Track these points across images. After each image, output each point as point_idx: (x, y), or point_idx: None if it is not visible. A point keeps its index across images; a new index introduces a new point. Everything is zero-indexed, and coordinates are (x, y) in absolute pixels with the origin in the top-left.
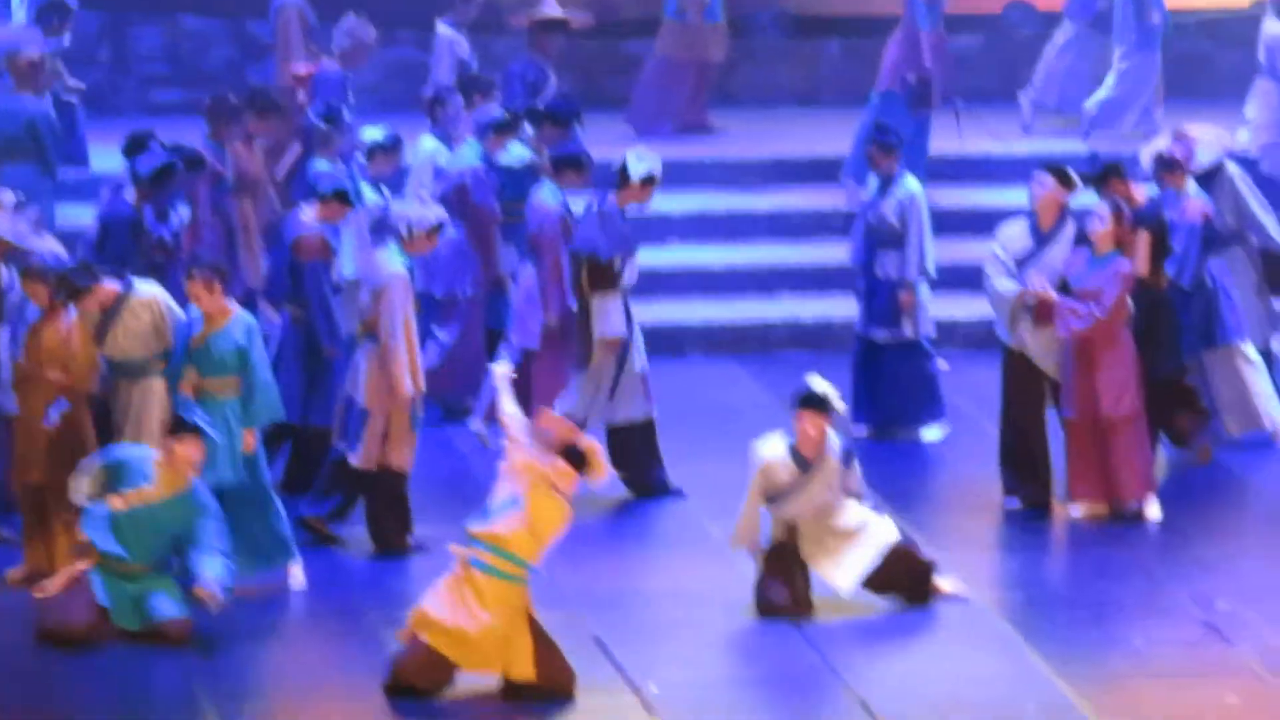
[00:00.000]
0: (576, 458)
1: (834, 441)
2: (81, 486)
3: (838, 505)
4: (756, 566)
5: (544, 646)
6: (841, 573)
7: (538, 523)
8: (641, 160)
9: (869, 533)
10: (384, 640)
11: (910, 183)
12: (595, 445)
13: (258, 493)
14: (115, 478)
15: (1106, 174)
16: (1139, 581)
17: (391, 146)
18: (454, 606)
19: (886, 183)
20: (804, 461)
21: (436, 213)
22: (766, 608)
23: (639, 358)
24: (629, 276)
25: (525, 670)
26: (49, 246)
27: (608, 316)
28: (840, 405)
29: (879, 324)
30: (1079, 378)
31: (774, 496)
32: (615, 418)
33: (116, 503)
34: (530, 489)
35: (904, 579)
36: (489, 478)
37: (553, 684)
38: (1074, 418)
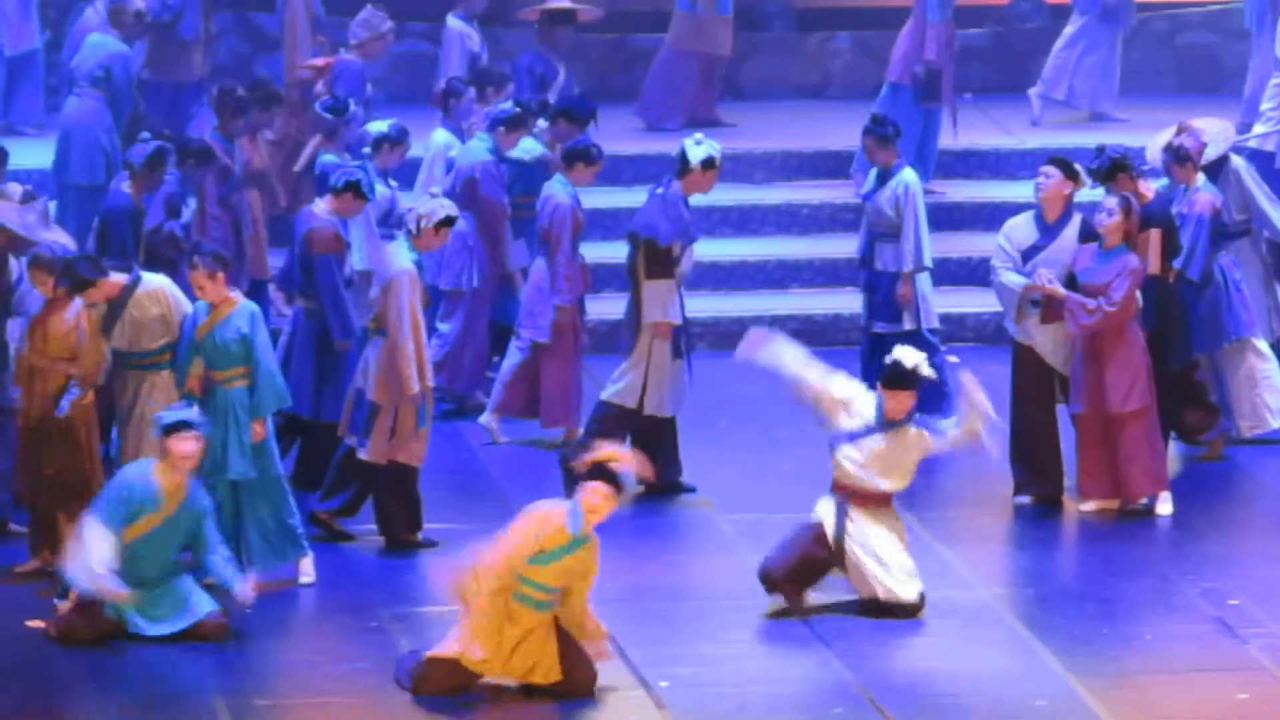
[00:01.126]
0: (605, 475)
1: (917, 419)
2: (102, 556)
3: (895, 520)
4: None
5: (567, 647)
6: (871, 590)
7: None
8: (699, 145)
9: (894, 583)
10: (394, 636)
11: (906, 174)
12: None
13: (268, 485)
14: (126, 517)
15: (1114, 168)
16: (1150, 578)
17: (397, 139)
18: (483, 637)
19: (884, 174)
20: (885, 423)
21: (446, 207)
22: (765, 576)
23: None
24: (685, 265)
25: (551, 674)
26: (57, 238)
27: (661, 302)
28: (929, 372)
29: (880, 317)
30: (1088, 373)
31: (845, 429)
32: (650, 407)
33: (129, 534)
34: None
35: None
36: (498, 472)
37: (574, 684)
38: (1083, 413)
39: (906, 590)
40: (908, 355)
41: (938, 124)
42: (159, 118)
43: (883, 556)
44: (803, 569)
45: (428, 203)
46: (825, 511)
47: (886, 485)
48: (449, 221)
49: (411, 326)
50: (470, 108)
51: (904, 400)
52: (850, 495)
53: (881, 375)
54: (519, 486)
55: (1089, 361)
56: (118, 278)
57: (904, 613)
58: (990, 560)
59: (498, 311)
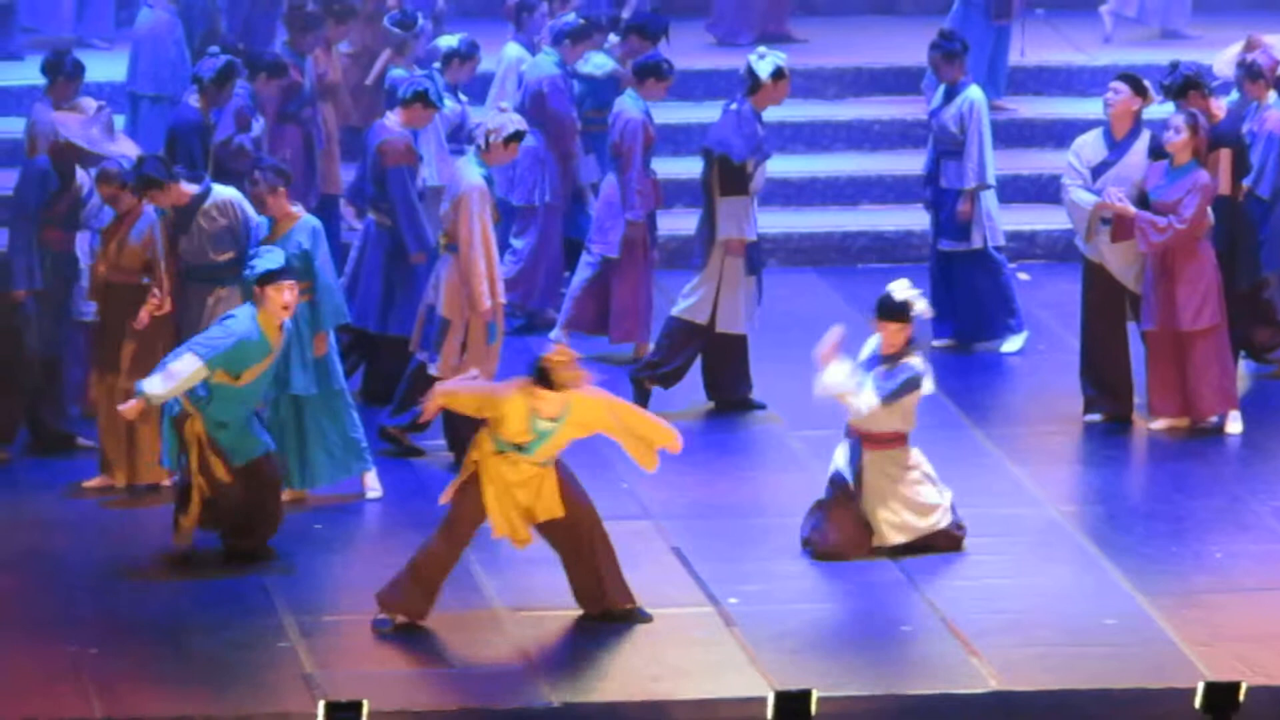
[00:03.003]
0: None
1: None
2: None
3: (908, 464)
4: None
5: (565, 485)
6: (882, 536)
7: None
8: (763, 59)
9: (927, 512)
10: (464, 551)
11: (972, 91)
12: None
13: (331, 399)
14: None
15: (1186, 85)
16: (1219, 496)
17: (468, 53)
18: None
19: (950, 91)
20: (884, 359)
21: (515, 121)
22: (809, 548)
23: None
24: (758, 181)
25: (553, 508)
26: (123, 150)
27: (735, 219)
28: (923, 307)
29: (946, 235)
30: (1158, 291)
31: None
32: (721, 324)
33: (245, 378)
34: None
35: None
36: None
37: (576, 517)
38: (1153, 331)
39: (932, 518)
40: (899, 288)
41: (1009, 40)
42: (235, 34)
43: (898, 498)
44: (844, 537)
45: (496, 117)
46: (841, 458)
47: (894, 424)
48: (518, 136)
49: (483, 242)
50: (542, 22)
51: (896, 333)
52: (863, 438)
53: (876, 307)
54: None
55: (1160, 279)
56: (188, 188)
57: (945, 543)
58: (1060, 478)
59: (570, 227)
